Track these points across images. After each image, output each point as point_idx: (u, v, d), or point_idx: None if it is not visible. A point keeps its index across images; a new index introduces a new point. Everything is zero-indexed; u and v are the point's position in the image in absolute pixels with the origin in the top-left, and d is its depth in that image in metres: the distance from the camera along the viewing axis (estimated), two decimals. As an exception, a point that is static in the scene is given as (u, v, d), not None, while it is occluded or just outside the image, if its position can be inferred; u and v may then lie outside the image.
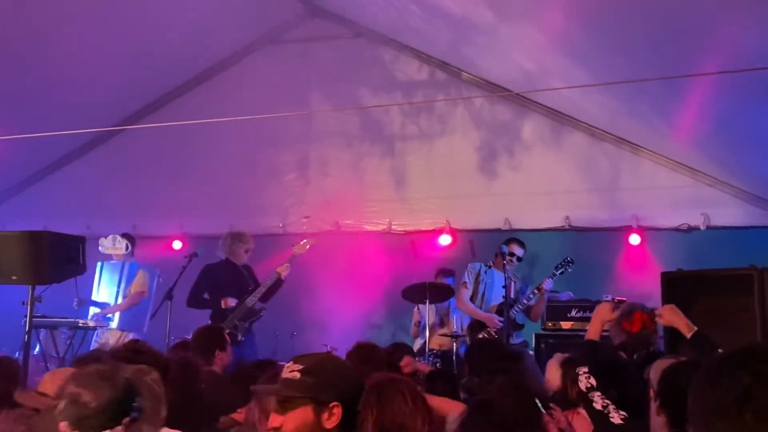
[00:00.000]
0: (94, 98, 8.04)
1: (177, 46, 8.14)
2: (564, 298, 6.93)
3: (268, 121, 8.33)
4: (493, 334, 6.61)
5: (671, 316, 3.92)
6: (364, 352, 3.99)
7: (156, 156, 8.94)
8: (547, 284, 6.75)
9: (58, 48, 7.09)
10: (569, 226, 7.93)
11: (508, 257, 6.77)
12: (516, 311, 6.75)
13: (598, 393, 3.29)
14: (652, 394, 3.14)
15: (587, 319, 6.65)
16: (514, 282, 6.96)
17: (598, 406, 3.26)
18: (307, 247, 7.20)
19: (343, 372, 2.45)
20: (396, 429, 2.50)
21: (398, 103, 8.30)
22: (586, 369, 3.49)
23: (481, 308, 6.92)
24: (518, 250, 6.98)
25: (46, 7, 6.62)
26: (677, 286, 4.63)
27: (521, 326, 6.94)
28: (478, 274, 7.03)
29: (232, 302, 6.73)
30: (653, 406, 2.86)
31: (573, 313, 6.75)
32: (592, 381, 3.41)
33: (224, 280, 6.89)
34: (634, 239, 7.74)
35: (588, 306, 6.69)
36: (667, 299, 4.79)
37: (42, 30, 6.81)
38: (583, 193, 7.97)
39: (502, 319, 6.62)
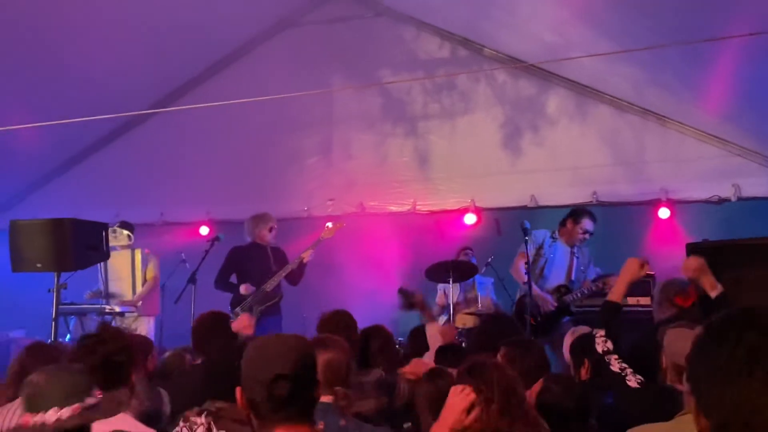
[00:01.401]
0: (118, 87, 8.09)
1: (199, 31, 8.13)
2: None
3: (291, 106, 8.34)
4: (538, 317, 6.34)
5: (699, 270, 3.79)
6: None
7: (181, 143, 8.99)
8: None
9: (84, 34, 7.13)
10: (596, 201, 7.80)
11: (584, 234, 6.39)
12: (576, 297, 6.41)
13: (615, 356, 3.26)
14: (663, 359, 3.08)
15: (615, 295, 6.61)
16: (577, 259, 6.50)
17: (615, 368, 3.24)
18: (334, 231, 7.19)
19: None
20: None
21: (418, 78, 8.21)
22: (603, 333, 3.46)
23: (537, 282, 6.47)
24: (590, 225, 6.51)
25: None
26: (703, 257, 4.50)
27: (572, 313, 6.53)
28: (541, 246, 6.56)
29: (249, 289, 6.78)
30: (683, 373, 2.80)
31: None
32: (609, 345, 3.37)
33: (247, 264, 6.95)
34: (664, 213, 7.59)
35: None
36: (692, 271, 4.66)
37: (66, 15, 6.84)
38: (610, 167, 7.84)
39: (554, 302, 6.36)
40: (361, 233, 8.40)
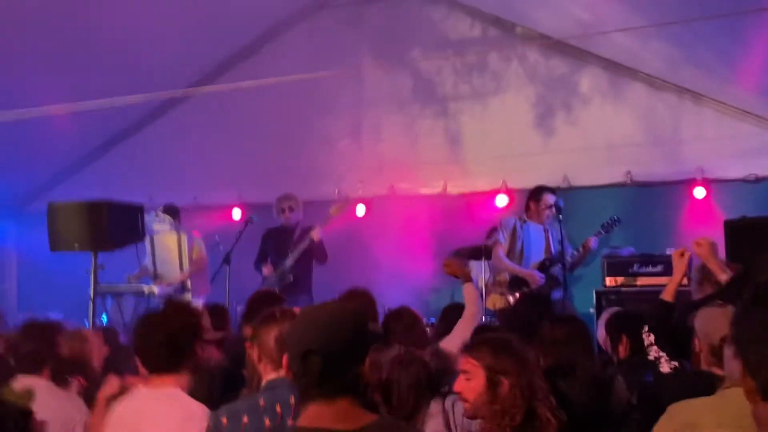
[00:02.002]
0: (151, 70, 8.13)
1: (227, 16, 8.16)
2: (625, 254, 6.76)
3: (321, 88, 8.33)
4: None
5: (708, 253, 3.76)
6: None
7: (213, 127, 9.04)
8: (593, 243, 6.58)
9: (114, 19, 7.19)
10: (631, 181, 7.70)
11: (548, 209, 6.62)
12: (559, 269, 6.54)
13: (655, 347, 3.28)
14: (696, 342, 3.06)
15: (651, 274, 6.56)
16: (552, 233, 6.72)
17: (651, 357, 3.26)
18: (340, 210, 7.24)
19: None
20: None
21: (447, 56, 8.16)
22: (647, 327, 3.46)
23: (521, 266, 6.72)
24: (551, 198, 6.72)
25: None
26: (741, 234, 4.45)
27: (560, 283, 6.65)
28: (514, 230, 6.81)
29: (267, 271, 6.89)
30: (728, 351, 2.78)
31: (635, 268, 6.58)
32: (651, 338, 3.38)
33: (270, 244, 7.05)
34: (699, 192, 7.47)
35: (650, 261, 6.52)
36: (731, 248, 4.61)
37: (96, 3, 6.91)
38: (645, 146, 7.72)
39: (543, 275, 6.51)
40: (392, 215, 8.41)
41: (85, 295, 6.07)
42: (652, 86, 7.69)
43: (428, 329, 5.24)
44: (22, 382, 3.57)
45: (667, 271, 6.50)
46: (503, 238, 6.79)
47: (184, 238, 7.42)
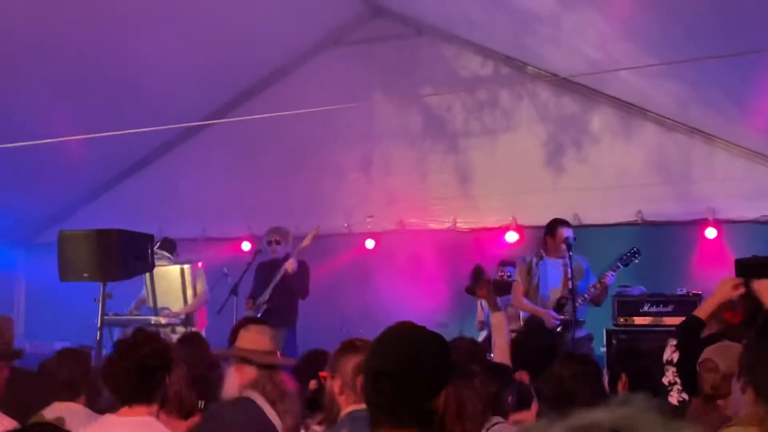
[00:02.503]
0: (161, 105, 8.24)
1: (241, 50, 8.26)
2: (636, 293, 6.70)
3: (332, 122, 8.41)
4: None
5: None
6: None
7: (224, 159, 9.09)
8: (610, 278, 6.38)
9: (129, 51, 7.29)
10: (642, 220, 7.69)
11: (563, 243, 6.38)
12: (577, 306, 6.29)
13: (674, 369, 3.22)
14: (704, 376, 3.03)
15: (661, 314, 6.50)
16: (570, 269, 6.41)
17: (666, 380, 3.20)
18: (311, 238, 7.24)
19: None
20: None
21: (458, 90, 8.21)
22: (675, 342, 3.39)
23: (537, 304, 6.51)
24: (567, 232, 6.48)
25: (117, 8, 6.82)
26: (752, 273, 4.40)
27: (582, 322, 6.43)
28: (529, 268, 6.63)
29: (248, 304, 7.02)
30: (736, 387, 2.75)
31: (646, 308, 6.51)
32: (674, 356, 3.31)
33: (257, 279, 7.19)
34: (710, 233, 7.45)
35: (662, 300, 6.47)
36: (742, 288, 4.55)
37: (113, 31, 7.01)
38: (655, 186, 7.73)
39: (558, 316, 6.30)
40: (401, 250, 8.42)
41: (92, 324, 6.05)
42: (662, 126, 7.72)
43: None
44: (57, 408, 3.58)
45: (678, 310, 6.49)
46: (519, 278, 6.64)
47: (188, 271, 7.42)
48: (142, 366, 2.91)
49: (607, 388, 3.76)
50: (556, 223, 6.58)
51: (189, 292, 7.46)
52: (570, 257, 6.42)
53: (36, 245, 9.73)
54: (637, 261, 6.45)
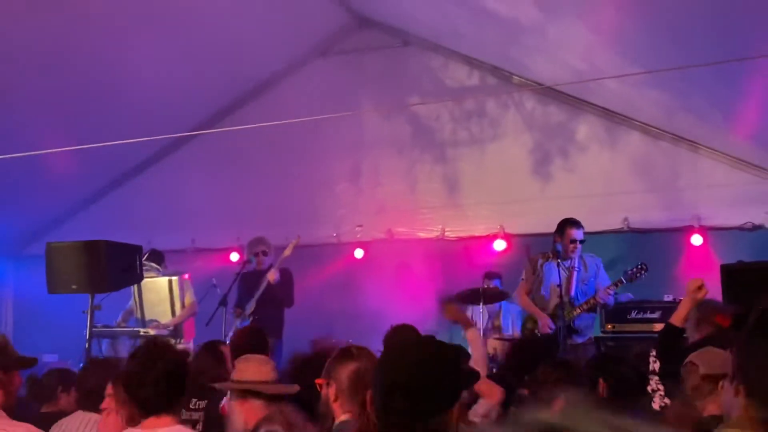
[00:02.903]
0: (150, 115, 8.23)
1: (229, 61, 8.28)
2: (623, 300, 6.75)
3: (321, 132, 8.44)
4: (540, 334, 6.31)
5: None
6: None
7: (212, 170, 9.09)
8: (610, 298, 6.30)
9: (116, 63, 7.29)
10: (628, 227, 7.75)
11: (572, 244, 6.28)
12: (574, 314, 6.33)
13: (656, 378, 3.28)
14: (692, 378, 3.08)
15: (648, 321, 6.55)
16: (578, 272, 6.36)
17: (649, 388, 3.26)
18: (292, 248, 7.27)
19: None
20: None
21: (444, 100, 8.26)
22: (654, 352, 3.44)
23: (538, 304, 6.50)
24: (576, 233, 6.37)
25: (104, 20, 6.82)
26: (738, 279, 4.47)
27: (576, 330, 6.42)
28: (535, 267, 6.58)
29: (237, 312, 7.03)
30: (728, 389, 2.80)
31: (633, 314, 6.56)
32: (656, 366, 3.37)
33: (241, 290, 7.25)
34: (696, 239, 7.51)
35: (649, 307, 6.51)
36: (727, 292, 4.62)
37: (100, 43, 7.01)
38: (641, 193, 7.79)
39: (553, 326, 6.27)
40: (390, 259, 8.44)
41: (80, 336, 6.03)
42: (648, 134, 7.79)
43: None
44: (79, 418, 3.59)
45: (665, 317, 6.51)
46: (525, 275, 6.66)
47: (176, 283, 7.41)
48: (171, 374, 2.90)
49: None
50: (565, 223, 6.46)
51: (177, 304, 7.44)
52: (580, 258, 6.36)
53: (24, 257, 9.69)
54: (643, 277, 6.30)
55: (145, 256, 7.33)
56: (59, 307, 7.25)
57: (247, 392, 3.25)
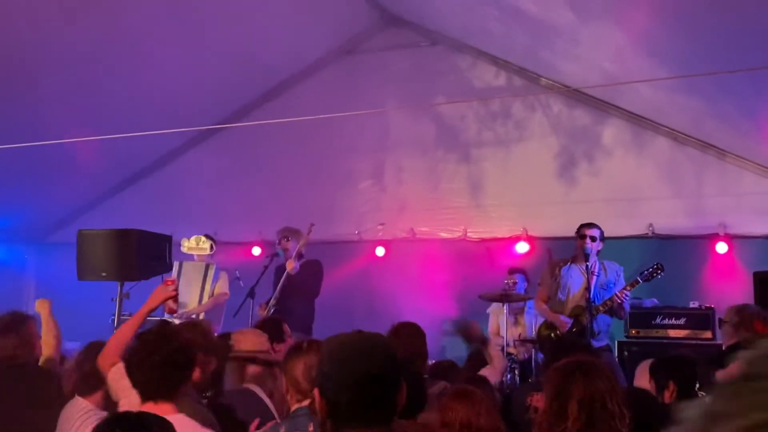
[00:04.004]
0: (175, 109, 8.26)
1: (255, 57, 8.31)
2: (648, 305, 6.72)
3: (345, 130, 8.46)
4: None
5: None
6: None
7: (236, 164, 9.14)
8: (626, 299, 6.11)
9: (146, 57, 7.34)
10: (652, 233, 7.71)
11: (582, 240, 6.17)
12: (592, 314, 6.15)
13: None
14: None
15: (673, 327, 6.52)
16: (597, 276, 6.27)
17: None
18: (308, 238, 7.25)
19: None
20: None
21: (470, 99, 8.24)
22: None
23: (555, 309, 6.40)
24: (591, 231, 6.25)
25: (132, 15, 6.86)
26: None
27: (593, 334, 6.18)
28: (553, 271, 6.49)
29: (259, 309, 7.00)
30: None
31: (658, 320, 6.54)
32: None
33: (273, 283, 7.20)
34: (721, 247, 7.47)
35: (674, 313, 6.48)
36: (760, 300, 4.59)
37: (130, 38, 7.05)
38: (667, 200, 7.75)
39: (569, 320, 6.18)
40: (411, 258, 8.43)
41: (103, 324, 6.06)
42: (675, 140, 7.75)
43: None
44: (79, 406, 3.60)
45: (690, 323, 6.51)
46: (541, 280, 6.59)
47: (212, 270, 7.45)
48: (172, 363, 2.87)
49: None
50: (582, 226, 6.41)
51: (207, 291, 7.49)
52: (600, 263, 6.30)
53: (46, 245, 9.77)
54: (660, 276, 6.18)
55: (204, 234, 7.61)
56: (82, 295, 7.30)
57: (248, 359, 3.97)
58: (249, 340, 4.07)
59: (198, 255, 7.53)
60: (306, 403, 2.86)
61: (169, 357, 2.87)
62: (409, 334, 4.27)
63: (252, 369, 3.97)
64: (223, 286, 7.54)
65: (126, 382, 3.05)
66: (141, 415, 2.33)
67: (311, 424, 2.67)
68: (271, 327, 4.63)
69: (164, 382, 2.87)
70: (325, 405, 1.96)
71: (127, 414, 2.40)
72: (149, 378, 2.86)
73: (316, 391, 2.00)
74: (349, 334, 2.08)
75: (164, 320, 3.67)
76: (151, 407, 2.82)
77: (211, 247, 7.58)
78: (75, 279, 6.00)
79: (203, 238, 7.42)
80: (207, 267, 7.47)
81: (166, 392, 2.87)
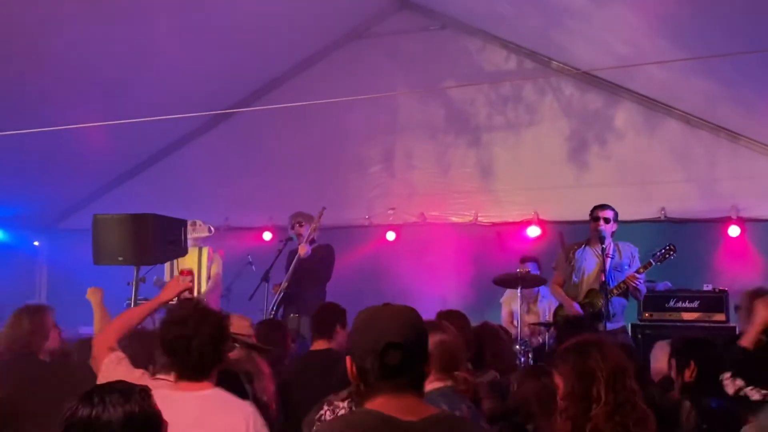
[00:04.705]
0: (186, 94, 8.25)
1: (266, 42, 8.27)
2: (662, 288, 6.71)
3: (355, 115, 8.44)
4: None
5: None
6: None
7: (246, 150, 9.13)
8: (640, 280, 6.09)
9: (154, 40, 7.31)
10: (665, 217, 7.70)
11: (595, 222, 6.14)
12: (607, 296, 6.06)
13: (750, 387, 3.31)
14: None
15: (686, 310, 6.52)
16: (611, 259, 6.20)
17: (755, 397, 3.28)
18: (320, 219, 7.23)
19: None
20: None
21: (480, 83, 8.21)
22: (729, 375, 3.45)
23: (569, 292, 6.37)
24: (604, 212, 6.20)
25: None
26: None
27: (610, 316, 6.08)
28: (567, 255, 6.46)
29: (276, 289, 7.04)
30: None
31: (672, 303, 6.53)
32: (739, 382, 3.39)
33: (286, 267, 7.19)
34: (734, 231, 7.45)
35: (687, 296, 6.48)
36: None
37: (140, 23, 7.03)
38: (679, 183, 7.73)
39: (580, 310, 6.15)
40: (422, 243, 8.43)
41: (115, 308, 6.07)
42: (687, 123, 7.71)
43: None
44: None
45: (703, 306, 6.51)
46: (556, 264, 6.58)
47: (205, 254, 7.44)
48: (217, 337, 2.89)
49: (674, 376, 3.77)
50: (595, 207, 6.36)
51: (204, 275, 7.48)
52: (615, 245, 6.26)
53: (58, 231, 9.80)
54: (672, 258, 6.14)
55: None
56: (94, 280, 7.30)
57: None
58: (232, 324, 3.97)
59: (195, 238, 7.48)
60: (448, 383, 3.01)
61: (213, 334, 2.89)
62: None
63: (233, 353, 3.91)
64: (219, 266, 7.54)
65: (122, 369, 3.10)
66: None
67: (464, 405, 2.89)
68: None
69: (212, 359, 2.89)
70: (354, 370, 2.09)
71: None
72: (198, 357, 2.85)
73: (348, 358, 2.12)
74: (377, 306, 2.19)
75: (187, 298, 3.66)
76: (188, 386, 2.84)
77: (210, 229, 7.56)
78: (87, 265, 5.98)
79: (198, 222, 7.38)
80: (200, 251, 7.45)
81: (211, 368, 2.90)
